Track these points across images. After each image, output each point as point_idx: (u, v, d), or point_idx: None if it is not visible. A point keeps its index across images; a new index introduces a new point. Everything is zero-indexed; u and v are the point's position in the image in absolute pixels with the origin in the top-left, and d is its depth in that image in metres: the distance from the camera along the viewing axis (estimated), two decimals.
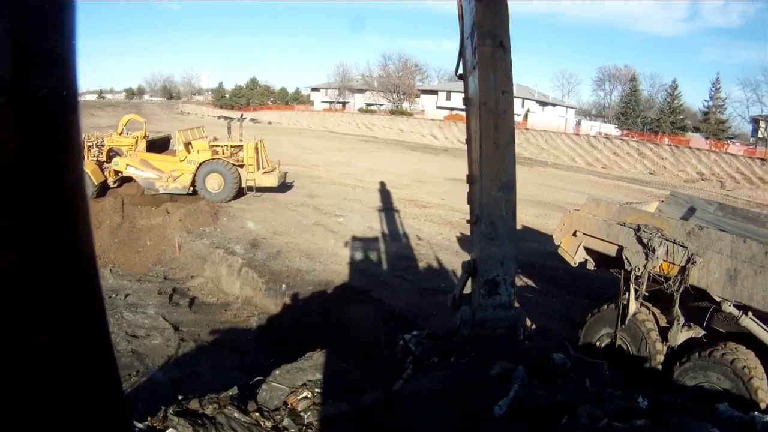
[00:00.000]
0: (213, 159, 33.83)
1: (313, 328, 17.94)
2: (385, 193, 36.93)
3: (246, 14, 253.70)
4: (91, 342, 1.80)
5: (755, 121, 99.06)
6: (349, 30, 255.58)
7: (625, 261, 13.33)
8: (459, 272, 22.37)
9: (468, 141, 11.54)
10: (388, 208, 33.73)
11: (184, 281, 24.06)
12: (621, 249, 13.48)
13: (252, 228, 28.82)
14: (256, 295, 21.95)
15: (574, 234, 14.55)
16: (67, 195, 1.71)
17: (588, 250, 14.60)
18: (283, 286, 21.48)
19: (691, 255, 12.35)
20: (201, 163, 33.58)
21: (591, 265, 15.18)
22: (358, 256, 24.82)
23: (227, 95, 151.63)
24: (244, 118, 44.94)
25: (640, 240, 13.06)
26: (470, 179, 11.34)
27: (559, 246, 14.92)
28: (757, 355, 12.56)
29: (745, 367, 12.29)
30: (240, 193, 34.55)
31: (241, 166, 34.32)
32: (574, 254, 14.56)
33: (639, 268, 13.13)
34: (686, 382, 12.98)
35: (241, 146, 35.10)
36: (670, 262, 12.78)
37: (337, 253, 25.44)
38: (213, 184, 33.57)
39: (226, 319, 20.70)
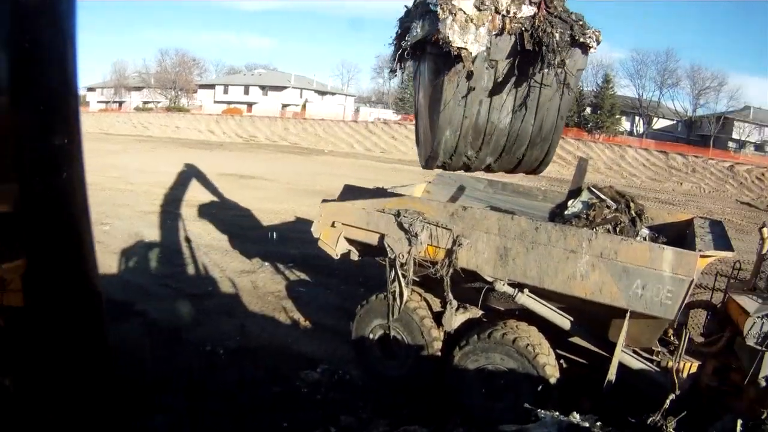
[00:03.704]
0: None
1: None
2: (155, 195, 35.19)
3: None
4: (90, 340, 1.99)
5: None
6: (125, 27, 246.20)
7: (388, 249, 12.70)
8: (228, 272, 21.28)
9: None
10: (158, 210, 31.84)
11: None
12: (382, 237, 12.85)
13: None
14: None
15: (333, 225, 13.69)
16: (67, 193, 1.81)
17: (350, 241, 13.86)
18: None
19: (457, 237, 11.91)
20: None
21: (355, 256, 14.44)
22: (122, 266, 22.93)
23: None
24: None
25: (401, 226, 12.49)
26: None
27: (318, 239, 13.91)
28: (540, 329, 12.43)
29: (528, 345, 12.07)
30: None
31: None
32: (334, 246, 13.74)
33: (403, 255, 12.59)
34: (468, 366, 12.59)
35: None
36: (435, 246, 12.28)
37: (99, 265, 23.13)
38: None
39: None
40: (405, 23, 9.24)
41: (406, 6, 9.55)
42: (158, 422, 11.65)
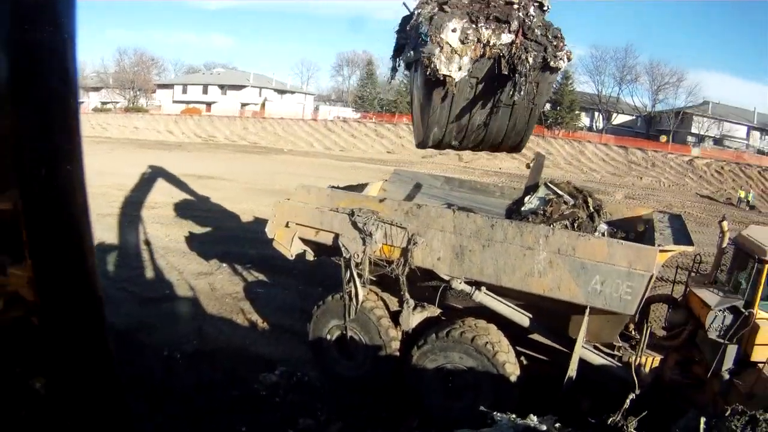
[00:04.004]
0: None
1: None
2: (114, 197, 33.99)
3: None
4: (89, 337, 1.91)
5: None
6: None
7: (343, 248, 12.51)
8: (186, 274, 20.92)
9: None
10: (114, 213, 30.90)
11: None
12: (337, 236, 12.65)
13: None
14: None
15: (287, 225, 13.45)
16: (67, 193, 1.80)
17: (304, 241, 13.61)
18: None
19: (412, 235, 11.79)
20: None
21: (310, 256, 14.22)
22: None
23: None
24: None
25: (355, 225, 12.31)
26: None
27: (273, 239, 13.66)
28: (499, 327, 12.36)
29: (487, 343, 12.00)
30: None
31: None
32: (289, 246, 13.47)
33: (358, 255, 12.40)
34: (426, 365, 12.52)
35: None
36: (390, 245, 12.16)
37: None
38: None
39: None
40: (401, 39, 10.93)
41: (405, 4, 10.59)
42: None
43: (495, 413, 8.90)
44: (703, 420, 8.26)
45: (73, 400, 1.87)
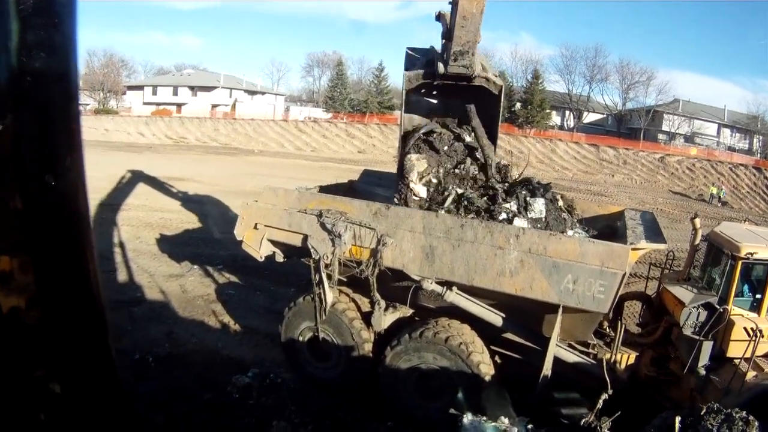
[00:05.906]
0: None
1: None
2: None
3: None
4: (91, 342, 1.89)
5: None
6: None
7: (312, 250, 12.34)
8: (157, 277, 20.65)
9: None
10: None
11: None
12: (306, 238, 12.46)
13: None
14: None
15: (256, 227, 13.25)
16: (68, 191, 1.76)
17: (273, 242, 13.43)
18: None
19: (381, 236, 11.62)
20: None
21: (280, 258, 14.01)
22: None
23: None
24: None
25: (323, 226, 12.13)
26: None
27: (242, 241, 13.48)
28: (472, 326, 12.30)
29: (461, 343, 11.90)
30: None
31: None
32: (258, 248, 13.30)
33: (327, 256, 12.22)
34: (401, 366, 12.41)
35: None
36: (359, 246, 11.97)
37: None
38: None
39: None
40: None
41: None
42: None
43: (463, 417, 8.80)
44: (678, 419, 8.21)
45: (75, 403, 1.85)
